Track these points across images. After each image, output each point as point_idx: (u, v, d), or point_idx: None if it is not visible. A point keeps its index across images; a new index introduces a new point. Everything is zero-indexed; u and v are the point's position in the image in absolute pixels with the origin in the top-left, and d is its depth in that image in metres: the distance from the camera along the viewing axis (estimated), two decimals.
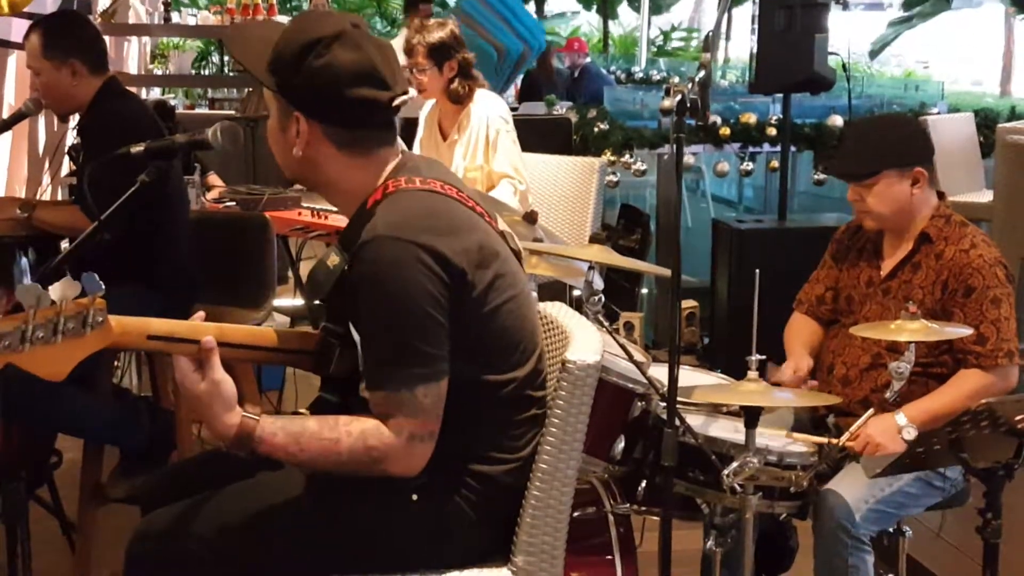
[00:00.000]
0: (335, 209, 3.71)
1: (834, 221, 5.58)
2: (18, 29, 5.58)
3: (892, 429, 2.83)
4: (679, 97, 2.44)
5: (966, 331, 2.87)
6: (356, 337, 2.09)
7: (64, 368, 1.86)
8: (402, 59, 4.38)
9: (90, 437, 3.68)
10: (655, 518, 3.00)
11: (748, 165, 6.20)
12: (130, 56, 11.30)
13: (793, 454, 2.87)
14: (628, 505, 3.04)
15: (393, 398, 2.02)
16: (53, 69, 3.73)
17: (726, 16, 12.89)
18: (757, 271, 3.00)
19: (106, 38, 4.51)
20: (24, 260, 3.55)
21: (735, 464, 2.67)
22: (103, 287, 1.88)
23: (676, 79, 11.01)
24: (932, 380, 3.01)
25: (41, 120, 6.21)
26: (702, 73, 2.47)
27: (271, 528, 2.13)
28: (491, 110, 4.61)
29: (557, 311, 2.36)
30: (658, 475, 2.79)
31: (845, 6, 6.90)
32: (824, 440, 2.95)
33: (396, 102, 2.18)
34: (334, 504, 2.13)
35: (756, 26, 5.57)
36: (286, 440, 2.01)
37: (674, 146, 2.46)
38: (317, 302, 2.23)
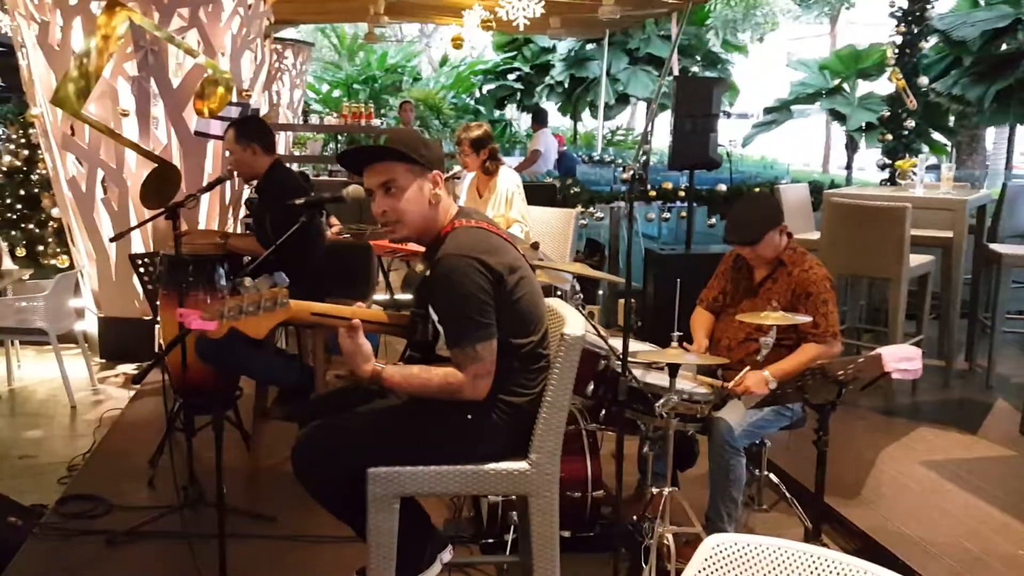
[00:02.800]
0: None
1: (719, 249, 5.58)
2: (215, 126, 5.58)
3: (761, 380, 2.85)
4: (632, 173, 2.46)
5: (807, 319, 2.87)
6: (434, 316, 2.11)
7: (262, 331, 1.89)
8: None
9: (260, 378, 3.70)
10: (611, 433, 3.04)
11: (666, 215, 6.20)
12: (280, 142, 11.31)
13: (698, 394, 2.87)
14: (595, 425, 3.06)
15: (463, 351, 2.04)
16: (241, 150, 3.76)
17: (652, 122, 12.91)
18: (678, 280, 3.00)
19: None
20: (221, 270, 3.55)
21: (663, 400, 2.68)
22: (288, 281, 1.93)
23: (628, 162, 11.07)
24: (783, 350, 2.99)
25: (228, 184, 6.21)
26: (644, 158, 2.48)
27: (384, 429, 2.13)
28: (509, 180, 4.60)
29: (554, 303, 2.34)
30: (614, 406, 2.81)
31: (727, 116, 6.87)
32: (718, 383, 2.97)
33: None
34: (421, 418, 2.14)
35: (673, 128, 5.53)
36: (400, 379, 2.06)
37: (628, 204, 2.47)
38: (409, 295, 2.24)
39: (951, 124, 10.36)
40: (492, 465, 2.10)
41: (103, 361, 5.69)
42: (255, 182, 3.99)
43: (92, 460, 3.92)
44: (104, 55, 5.15)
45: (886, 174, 6.34)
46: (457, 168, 4.89)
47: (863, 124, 11.96)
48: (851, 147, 12.87)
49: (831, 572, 1.43)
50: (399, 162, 2.15)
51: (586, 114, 20.27)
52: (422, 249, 4.36)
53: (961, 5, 9.41)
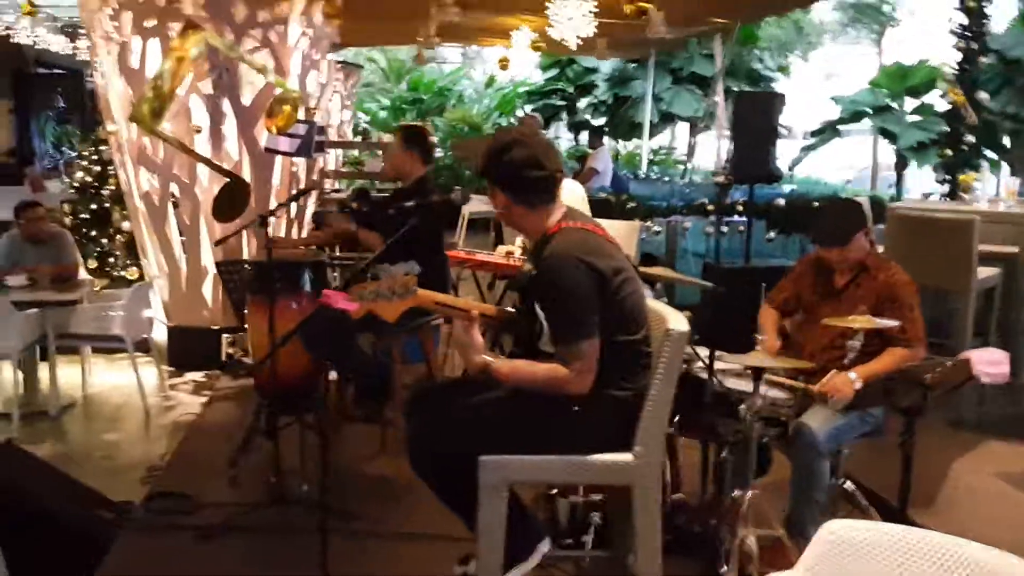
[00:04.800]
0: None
1: (778, 263, 5.60)
2: (283, 142, 5.72)
3: (847, 381, 2.83)
4: (724, 178, 2.52)
5: (894, 323, 2.86)
6: (540, 313, 2.18)
7: (394, 315, 1.99)
8: None
9: (353, 371, 3.77)
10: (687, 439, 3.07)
11: (724, 228, 6.23)
12: (332, 160, 11.55)
13: (779, 399, 2.90)
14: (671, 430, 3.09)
15: (568, 347, 2.11)
16: (403, 152, 3.98)
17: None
18: (763, 284, 3.02)
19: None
20: (307, 276, 3.65)
21: (747, 403, 2.71)
22: (419, 269, 2.05)
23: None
24: (866, 357, 2.92)
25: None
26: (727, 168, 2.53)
27: (495, 420, 2.21)
28: (573, 192, 4.66)
29: (654, 303, 2.39)
30: (698, 411, 2.84)
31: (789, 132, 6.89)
32: (801, 385, 2.97)
33: (557, 176, 2.26)
34: (531, 409, 2.19)
35: (732, 142, 5.56)
36: (508, 370, 2.14)
37: (716, 210, 2.51)
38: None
39: (1003, 142, 10.26)
40: (597, 456, 2.16)
41: (171, 369, 5.84)
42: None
43: (172, 462, 4.05)
44: (178, 77, 5.33)
45: (945, 188, 6.32)
46: None
47: (915, 143, 11.90)
48: (900, 166, 12.78)
49: (947, 558, 1.47)
50: (496, 187, 2.31)
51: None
52: (492, 261, 4.46)
53: (1016, 25, 9.35)
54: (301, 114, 5.75)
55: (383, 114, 18.08)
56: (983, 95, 6.30)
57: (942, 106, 12.38)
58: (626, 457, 2.16)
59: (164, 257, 5.84)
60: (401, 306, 1.96)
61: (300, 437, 3.60)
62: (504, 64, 12.05)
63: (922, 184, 14.76)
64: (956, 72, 6.19)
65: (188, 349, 5.87)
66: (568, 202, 4.53)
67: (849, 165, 20.90)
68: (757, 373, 2.68)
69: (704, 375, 2.83)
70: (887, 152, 19.76)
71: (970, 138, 6.21)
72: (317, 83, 6.32)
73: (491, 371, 2.11)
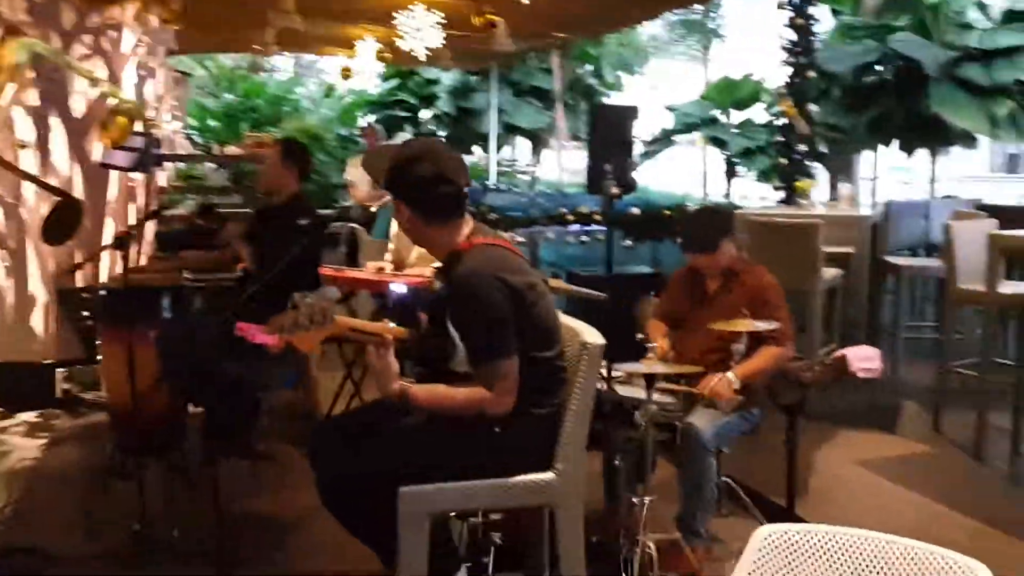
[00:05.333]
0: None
1: (637, 271, 5.77)
2: (119, 156, 5.34)
3: (728, 383, 2.93)
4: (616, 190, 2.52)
5: (775, 325, 2.97)
6: (453, 333, 2.11)
7: (312, 345, 1.87)
8: None
9: (215, 402, 3.52)
10: None
11: (584, 238, 6.35)
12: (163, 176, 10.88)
13: (667, 403, 2.97)
14: None
15: (487, 368, 2.06)
16: (280, 167, 3.85)
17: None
18: (654, 299, 3.08)
19: None
20: (164, 302, 3.40)
21: (641, 410, 2.76)
22: (338, 295, 1.92)
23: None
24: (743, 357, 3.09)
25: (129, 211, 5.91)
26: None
27: (413, 448, 2.11)
28: None
29: (565, 318, 2.37)
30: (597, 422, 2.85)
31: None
32: (683, 389, 3.05)
33: (464, 191, 2.21)
34: (449, 434, 2.13)
35: (590, 154, 5.64)
36: (425, 395, 2.06)
37: (607, 218, 2.52)
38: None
39: (821, 150, 11.09)
40: (520, 478, 2.11)
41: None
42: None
43: (14, 514, 3.64)
44: None
45: (781, 195, 6.74)
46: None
47: (742, 149, 12.69)
48: (729, 173, 13.58)
49: (879, 554, 1.53)
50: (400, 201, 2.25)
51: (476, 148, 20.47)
52: (364, 278, 4.31)
53: (832, 39, 10.18)
54: (138, 126, 5.41)
55: (214, 123, 17.27)
56: (813, 107, 6.79)
57: (762, 118, 13.31)
58: (548, 476, 2.13)
59: None
60: (319, 336, 1.85)
61: (165, 479, 3.35)
62: (347, 74, 11.83)
63: (743, 191, 15.72)
64: (788, 85, 6.64)
65: (17, 387, 5.33)
66: None
67: (677, 175, 21.91)
68: (650, 380, 2.73)
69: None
70: (712, 161, 20.94)
71: (802, 147, 6.68)
72: (154, 93, 5.94)
73: (408, 397, 2.03)
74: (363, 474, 2.03)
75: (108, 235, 5.59)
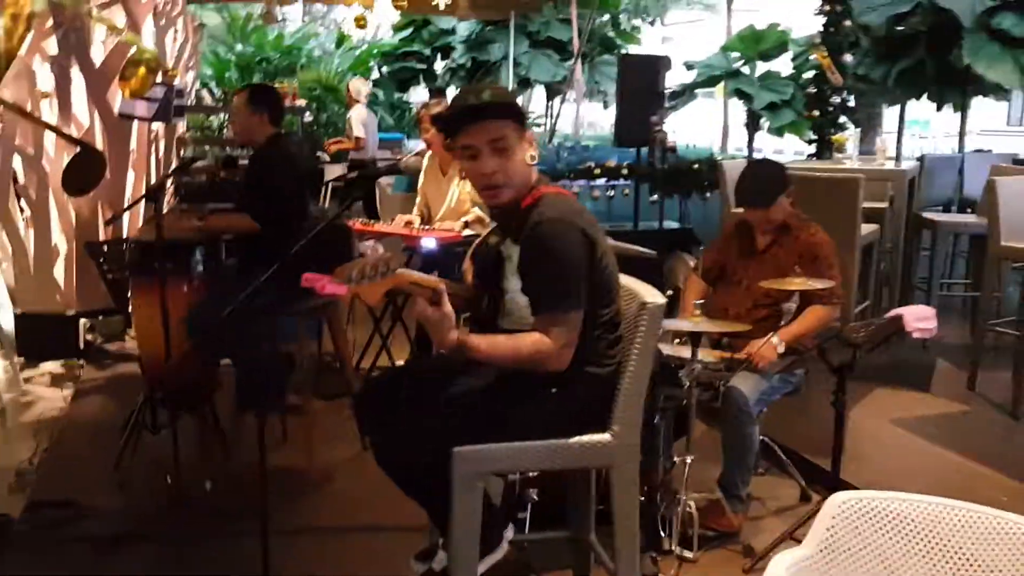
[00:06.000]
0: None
1: (666, 224, 5.67)
2: (140, 107, 5.26)
3: (771, 346, 2.88)
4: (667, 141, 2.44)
5: (830, 283, 2.89)
6: (512, 287, 2.05)
7: (376, 297, 1.80)
8: None
9: (244, 362, 3.46)
10: None
11: (610, 192, 6.26)
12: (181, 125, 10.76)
13: (709, 362, 2.91)
14: None
15: (554, 318, 1.97)
16: (248, 115, 3.60)
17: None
18: (684, 255, 3.01)
19: None
20: (198, 254, 3.34)
21: (686, 369, 2.70)
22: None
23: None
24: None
25: (152, 164, 5.84)
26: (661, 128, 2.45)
27: (468, 409, 2.04)
28: None
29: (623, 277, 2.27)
30: None
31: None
32: (726, 354, 3.00)
33: None
34: (505, 395, 2.05)
35: (618, 106, 5.57)
36: (486, 347, 1.96)
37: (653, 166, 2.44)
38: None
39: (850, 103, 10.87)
40: (576, 439, 2.05)
41: (22, 360, 5.29)
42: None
43: (45, 466, 3.64)
44: (15, 36, 4.77)
45: (812, 148, 6.60)
46: (420, 147, 4.78)
47: (767, 104, 12.43)
48: (752, 127, 13.34)
49: (960, 523, 1.47)
50: (509, 120, 2.04)
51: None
52: (395, 232, 4.21)
53: None
54: (158, 76, 5.32)
55: (229, 74, 17.11)
56: (848, 58, 6.61)
57: (787, 70, 13.03)
58: (604, 437, 2.06)
59: (8, 237, 5.25)
60: (382, 287, 1.77)
61: (201, 432, 3.33)
62: (361, 22, 11.64)
63: (762, 145, 15.44)
64: (822, 34, 6.45)
65: (40, 337, 5.33)
66: None
67: (697, 128, 21.63)
68: (695, 339, 2.67)
69: None
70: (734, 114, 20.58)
71: (835, 99, 6.52)
72: (175, 41, 5.83)
73: (467, 347, 1.93)
74: (420, 441, 1.96)
75: (130, 186, 5.53)
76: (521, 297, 2.06)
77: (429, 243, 3.94)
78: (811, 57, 7.31)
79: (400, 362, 4.30)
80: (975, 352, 4.51)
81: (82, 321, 5.40)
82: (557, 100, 18.76)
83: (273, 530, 2.87)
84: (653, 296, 2.06)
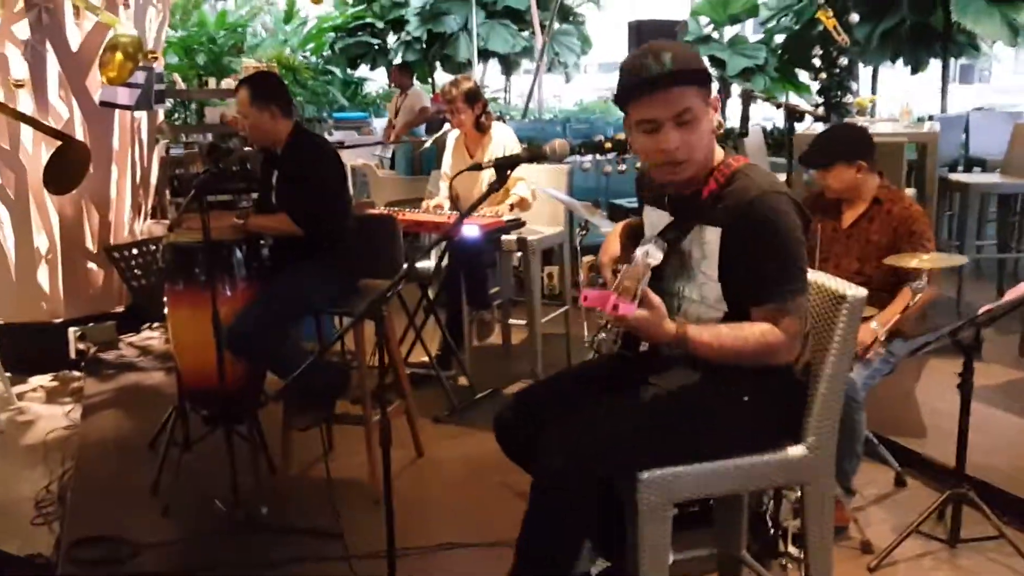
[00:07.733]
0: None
1: None
2: (122, 94, 4.88)
3: (869, 332, 2.74)
4: None
5: (964, 260, 2.75)
6: (708, 273, 1.81)
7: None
8: None
9: (290, 374, 3.17)
10: None
11: (621, 167, 6.02)
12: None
13: None
14: None
15: (783, 307, 1.73)
16: (258, 113, 3.17)
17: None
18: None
19: None
20: (239, 254, 3.05)
21: None
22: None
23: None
24: (884, 294, 2.88)
25: (135, 160, 5.46)
26: None
27: (648, 425, 1.80)
28: (506, 136, 4.29)
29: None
30: None
31: None
32: None
33: None
34: (690, 407, 1.80)
35: None
36: (708, 338, 1.71)
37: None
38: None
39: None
40: (769, 455, 1.83)
41: (9, 376, 4.91)
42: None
43: (71, 494, 3.32)
44: None
45: (821, 112, 6.46)
46: (445, 126, 4.51)
47: (740, 69, 12.31)
48: (724, 94, 13.21)
49: None
50: (694, 87, 1.76)
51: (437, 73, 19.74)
52: (430, 220, 3.93)
53: None
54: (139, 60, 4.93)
55: (174, 59, 16.39)
56: (854, 17, 6.49)
57: (754, 36, 12.90)
58: (799, 450, 1.84)
59: None
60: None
61: (254, 452, 3.06)
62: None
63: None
64: None
65: (27, 349, 4.95)
66: (502, 147, 4.20)
67: None
68: None
69: None
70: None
71: (843, 60, 6.40)
72: (156, 21, 5.43)
73: (688, 340, 1.68)
74: (594, 461, 1.71)
75: (114, 182, 5.15)
76: (711, 289, 1.82)
77: (472, 231, 3.69)
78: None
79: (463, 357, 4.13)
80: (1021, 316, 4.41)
81: (71, 330, 5.04)
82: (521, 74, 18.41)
83: (355, 552, 2.68)
84: (852, 289, 1.85)
